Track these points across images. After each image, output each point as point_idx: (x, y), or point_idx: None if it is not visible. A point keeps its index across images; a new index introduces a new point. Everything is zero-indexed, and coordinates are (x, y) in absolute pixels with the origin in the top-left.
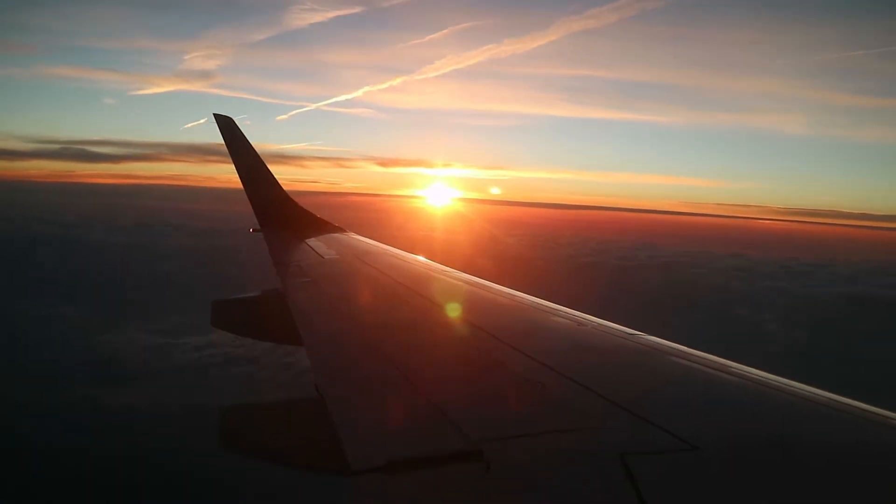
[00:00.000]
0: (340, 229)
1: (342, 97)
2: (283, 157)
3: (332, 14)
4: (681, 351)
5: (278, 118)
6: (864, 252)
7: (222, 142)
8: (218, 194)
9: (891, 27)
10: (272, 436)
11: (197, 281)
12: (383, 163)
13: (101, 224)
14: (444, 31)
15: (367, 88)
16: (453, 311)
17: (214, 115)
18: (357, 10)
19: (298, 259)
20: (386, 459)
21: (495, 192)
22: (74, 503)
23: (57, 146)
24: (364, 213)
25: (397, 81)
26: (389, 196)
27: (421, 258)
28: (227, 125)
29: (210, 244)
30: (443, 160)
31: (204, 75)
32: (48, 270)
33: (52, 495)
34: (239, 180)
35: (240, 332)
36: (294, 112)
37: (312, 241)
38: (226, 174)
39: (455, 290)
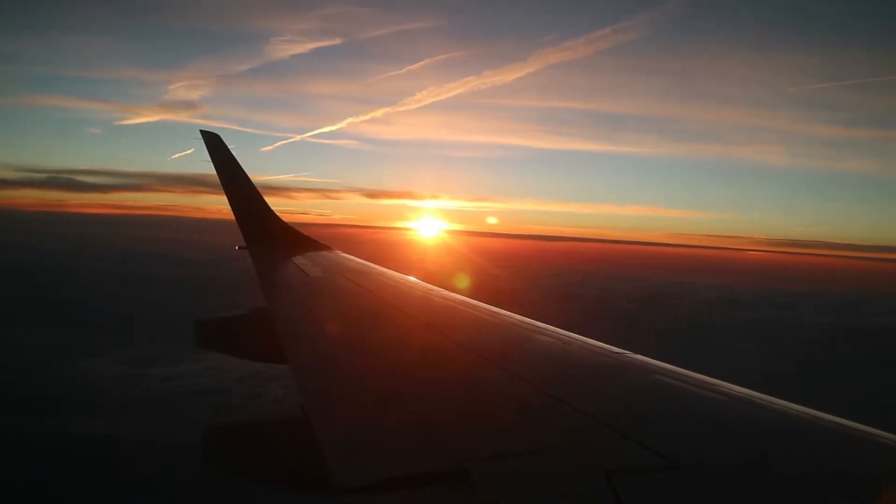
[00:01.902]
0: (327, 247)
1: (326, 128)
2: (270, 189)
3: (311, 45)
4: (666, 369)
5: (263, 149)
6: (849, 282)
7: (210, 172)
8: (206, 225)
9: (860, 60)
10: (256, 455)
11: (175, 310)
12: (370, 194)
13: (86, 253)
14: (423, 62)
15: (350, 119)
16: (439, 329)
17: (202, 131)
18: (336, 41)
19: (284, 277)
20: (371, 479)
21: (492, 221)
22: None
23: (45, 175)
24: (355, 245)
25: (380, 113)
26: (379, 228)
27: (407, 277)
28: (214, 142)
29: (193, 274)
30: (429, 192)
31: (188, 105)
32: (26, 299)
33: None
34: (226, 210)
35: (224, 350)
36: (279, 143)
37: (298, 259)
38: (214, 205)
39: (441, 309)
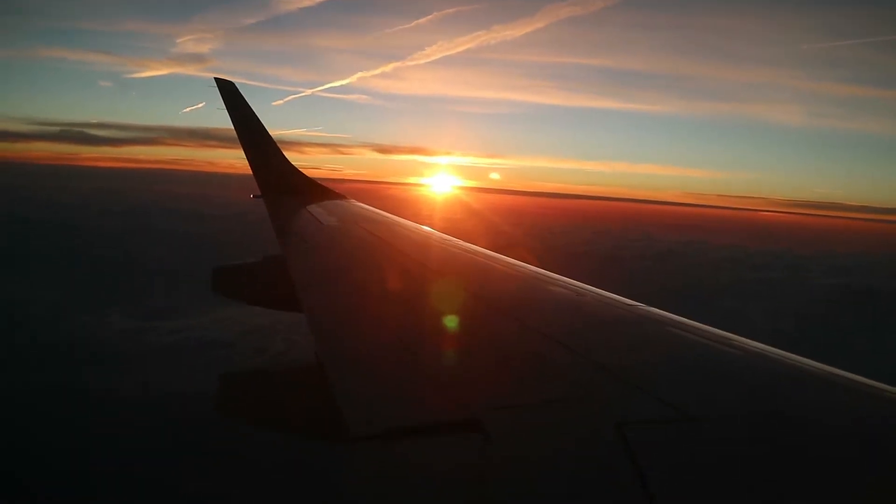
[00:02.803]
0: (342, 196)
1: (337, 83)
2: (281, 143)
3: None
4: (680, 322)
5: (274, 103)
6: (862, 245)
7: (222, 126)
8: (218, 179)
9: (876, 17)
10: (271, 402)
11: (184, 265)
12: (382, 150)
13: (97, 207)
14: (430, 16)
15: (360, 74)
16: (454, 279)
17: (216, 79)
18: None
19: (299, 226)
20: (385, 427)
21: (495, 177)
22: (38, 484)
23: (56, 128)
24: (367, 202)
25: (389, 68)
26: (391, 184)
27: (422, 227)
28: (228, 90)
29: (203, 228)
30: (440, 148)
31: (197, 59)
32: (35, 253)
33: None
34: (238, 165)
35: (240, 298)
36: (290, 97)
37: (314, 208)
38: (226, 159)
39: (456, 259)
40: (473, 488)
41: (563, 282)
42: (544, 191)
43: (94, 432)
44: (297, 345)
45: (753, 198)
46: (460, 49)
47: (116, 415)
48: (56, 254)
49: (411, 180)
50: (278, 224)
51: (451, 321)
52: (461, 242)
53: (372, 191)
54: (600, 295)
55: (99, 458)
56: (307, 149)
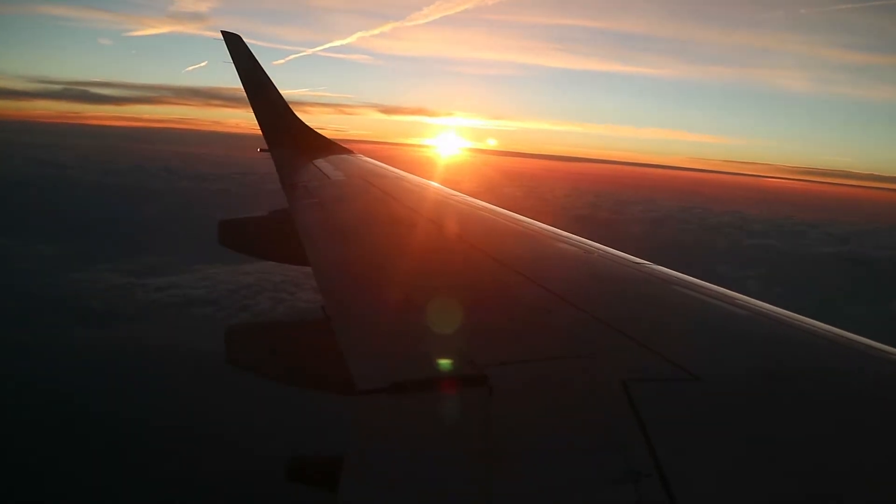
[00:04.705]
0: (348, 151)
1: (336, 43)
2: None
3: None
4: (687, 281)
5: (275, 63)
6: (866, 213)
7: (226, 85)
8: (222, 139)
9: None
10: (278, 354)
11: (176, 223)
12: (385, 110)
13: (98, 166)
14: None
15: (360, 34)
16: (461, 235)
17: (223, 32)
18: None
19: (306, 179)
20: (391, 381)
21: (491, 143)
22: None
23: (59, 87)
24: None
25: (388, 28)
26: (396, 145)
27: (428, 182)
28: (235, 43)
29: (201, 188)
30: (443, 109)
31: (196, 17)
32: (34, 209)
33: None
34: (244, 124)
35: (246, 251)
36: (291, 57)
37: (320, 162)
38: (232, 118)
39: (463, 215)
40: (479, 441)
41: (572, 239)
42: (549, 154)
43: (62, 386)
44: (282, 302)
45: (759, 164)
46: (458, 9)
47: (95, 368)
48: (54, 211)
49: (415, 141)
50: (285, 178)
51: (457, 276)
52: (468, 198)
53: (378, 151)
54: (608, 252)
55: (63, 409)
56: (311, 109)
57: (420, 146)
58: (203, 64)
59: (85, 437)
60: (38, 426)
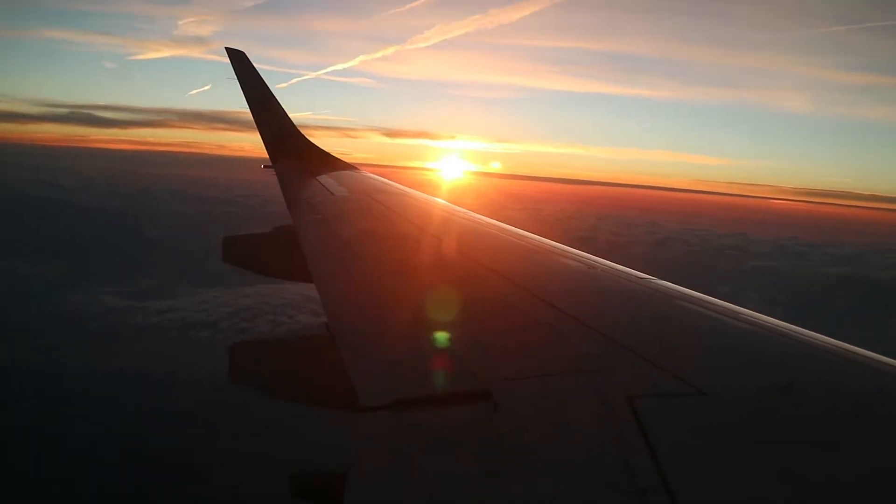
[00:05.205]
0: (352, 167)
1: (339, 66)
2: None
3: None
4: (691, 296)
5: (278, 86)
6: (869, 234)
7: (230, 109)
8: (226, 162)
9: (874, 2)
10: (282, 371)
11: (178, 246)
12: (389, 133)
13: (101, 188)
14: None
15: (362, 57)
16: (464, 251)
17: (227, 48)
18: None
19: (309, 196)
20: (394, 397)
21: (496, 165)
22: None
23: (64, 110)
24: None
25: (390, 51)
26: (400, 168)
27: (433, 198)
28: (239, 59)
29: (202, 211)
30: (446, 132)
31: (199, 41)
32: (37, 231)
33: None
34: (248, 148)
35: (250, 267)
36: (294, 80)
37: (324, 178)
38: (236, 142)
39: (466, 231)
40: (483, 458)
41: (576, 254)
42: (551, 176)
43: (52, 405)
44: (281, 325)
45: (761, 185)
46: (459, 33)
47: (88, 390)
48: (56, 233)
49: (419, 164)
50: (288, 194)
51: (461, 292)
52: (472, 214)
53: (381, 174)
54: (612, 268)
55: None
56: (314, 132)
57: (424, 169)
58: (207, 87)
59: (83, 456)
60: (34, 442)
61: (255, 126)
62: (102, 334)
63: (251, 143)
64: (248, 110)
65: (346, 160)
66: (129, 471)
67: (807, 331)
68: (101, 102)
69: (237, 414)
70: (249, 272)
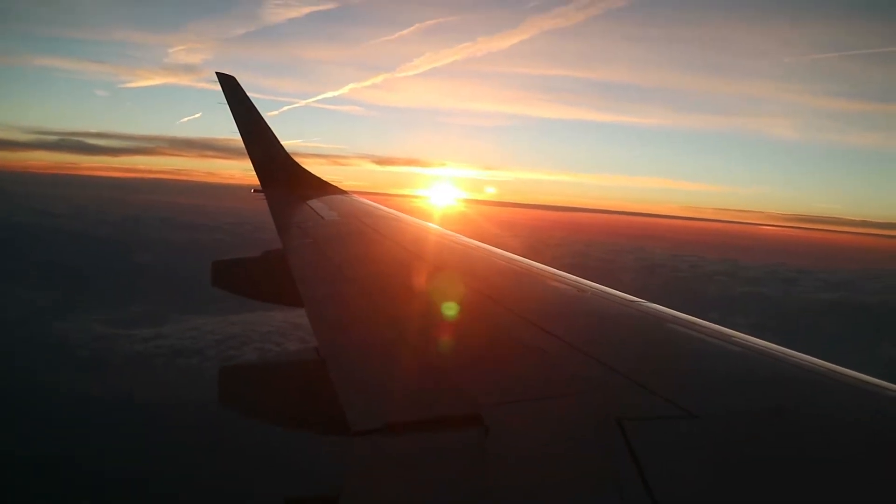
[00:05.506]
0: (342, 191)
1: (329, 94)
2: None
3: (305, 10)
4: (682, 319)
5: (269, 114)
6: (858, 260)
7: (220, 137)
8: (216, 190)
9: (860, 30)
10: (272, 395)
11: (167, 273)
12: (379, 161)
13: (91, 216)
14: (412, 27)
15: (352, 85)
16: (454, 274)
17: (217, 73)
18: (329, 6)
19: (300, 219)
20: (385, 421)
21: (490, 191)
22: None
23: (55, 137)
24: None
25: (380, 79)
26: (392, 195)
27: (423, 222)
28: (229, 84)
29: (192, 238)
30: (436, 159)
31: (190, 69)
32: (25, 258)
33: None
34: (238, 175)
35: (239, 291)
36: (284, 108)
37: (314, 202)
38: (226, 169)
39: (456, 254)
40: (474, 482)
41: (565, 277)
42: (541, 203)
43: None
44: (269, 353)
45: (750, 212)
46: (448, 61)
47: (76, 417)
48: (45, 260)
49: (410, 191)
50: (278, 217)
51: (451, 316)
52: (462, 237)
53: (373, 202)
54: (601, 291)
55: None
56: (305, 160)
57: (415, 196)
58: (197, 115)
59: (69, 482)
60: (20, 468)
61: (245, 153)
62: (91, 361)
63: (241, 171)
64: (239, 135)
65: (340, 189)
66: (115, 497)
67: (797, 353)
68: (93, 130)
69: (226, 440)
70: (238, 297)
